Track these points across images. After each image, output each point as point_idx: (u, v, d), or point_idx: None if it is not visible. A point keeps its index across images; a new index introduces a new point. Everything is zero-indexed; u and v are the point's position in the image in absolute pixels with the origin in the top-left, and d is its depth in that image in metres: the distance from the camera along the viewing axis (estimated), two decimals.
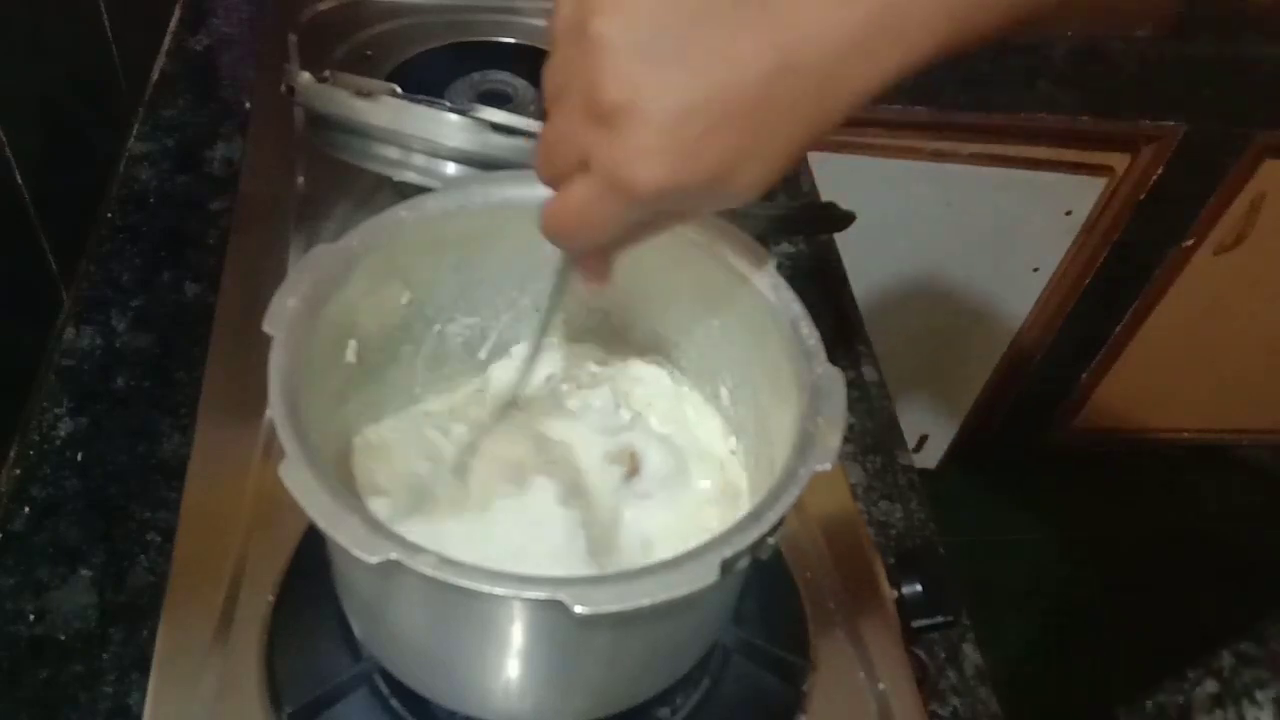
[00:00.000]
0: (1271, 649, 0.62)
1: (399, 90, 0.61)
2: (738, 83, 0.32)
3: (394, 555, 0.35)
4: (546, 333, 0.52)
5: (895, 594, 0.57)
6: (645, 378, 0.56)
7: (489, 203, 0.50)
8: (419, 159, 0.61)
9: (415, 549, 0.35)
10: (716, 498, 0.52)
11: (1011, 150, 1.24)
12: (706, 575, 0.36)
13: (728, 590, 0.47)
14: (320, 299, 0.44)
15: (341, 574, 0.46)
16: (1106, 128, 1.24)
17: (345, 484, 0.48)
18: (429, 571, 0.35)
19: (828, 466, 0.39)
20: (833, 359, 0.44)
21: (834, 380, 0.43)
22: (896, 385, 0.74)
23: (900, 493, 0.67)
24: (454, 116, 0.60)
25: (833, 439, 0.40)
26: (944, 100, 1.18)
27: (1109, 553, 1.65)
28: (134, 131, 0.84)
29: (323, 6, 0.94)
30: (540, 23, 0.95)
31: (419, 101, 0.61)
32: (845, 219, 0.75)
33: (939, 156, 1.23)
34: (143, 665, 0.52)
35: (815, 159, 0.93)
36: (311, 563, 0.53)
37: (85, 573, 0.57)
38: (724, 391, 0.53)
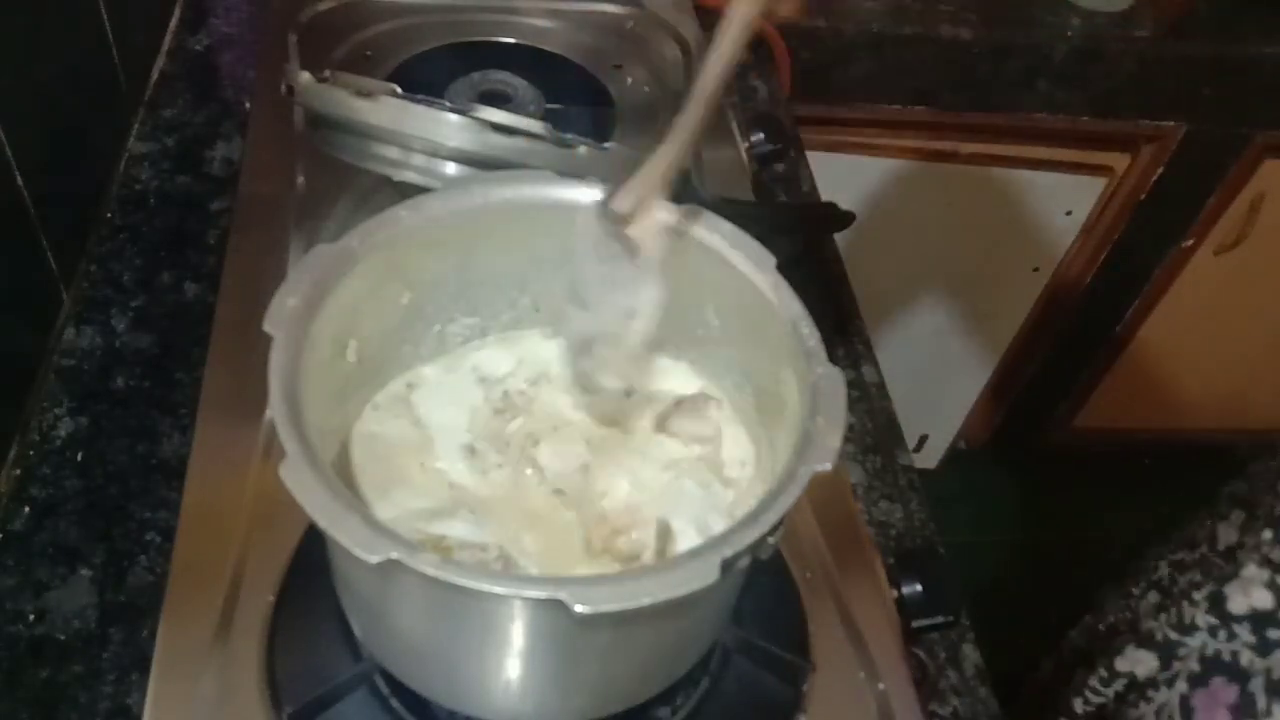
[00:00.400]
0: (1202, 552, 0.64)
1: (399, 90, 0.61)
2: None
3: (394, 555, 0.35)
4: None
5: (895, 594, 0.57)
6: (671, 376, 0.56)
7: (489, 203, 0.50)
8: (419, 159, 0.61)
9: (415, 549, 0.35)
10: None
11: (1011, 150, 1.24)
12: (707, 575, 0.36)
13: (728, 590, 0.47)
14: (320, 299, 0.44)
15: (341, 574, 0.46)
16: (1106, 128, 1.24)
17: (346, 483, 0.48)
18: (429, 571, 0.35)
19: (828, 466, 0.39)
20: (833, 359, 0.44)
21: (834, 380, 0.43)
22: (896, 385, 0.74)
23: (900, 493, 0.67)
24: (454, 116, 0.60)
25: (833, 439, 0.40)
26: (944, 100, 1.18)
27: (1109, 552, 1.65)
28: (134, 131, 0.84)
29: (323, 6, 0.94)
30: (540, 23, 0.95)
31: (419, 101, 0.61)
32: (845, 219, 0.76)
33: (939, 156, 1.23)
34: (143, 665, 0.52)
35: (815, 159, 0.93)
36: (311, 563, 0.53)
37: (85, 573, 0.57)
38: (724, 391, 0.53)
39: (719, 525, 0.48)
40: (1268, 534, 0.58)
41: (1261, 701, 0.54)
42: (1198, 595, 0.60)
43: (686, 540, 0.47)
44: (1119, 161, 1.28)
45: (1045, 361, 1.56)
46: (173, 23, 0.96)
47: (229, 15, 0.98)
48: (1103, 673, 0.65)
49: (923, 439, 1.65)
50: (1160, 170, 1.27)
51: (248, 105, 0.87)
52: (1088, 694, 0.66)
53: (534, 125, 0.60)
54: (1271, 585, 0.56)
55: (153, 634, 0.53)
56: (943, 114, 1.19)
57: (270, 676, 0.51)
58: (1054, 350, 1.54)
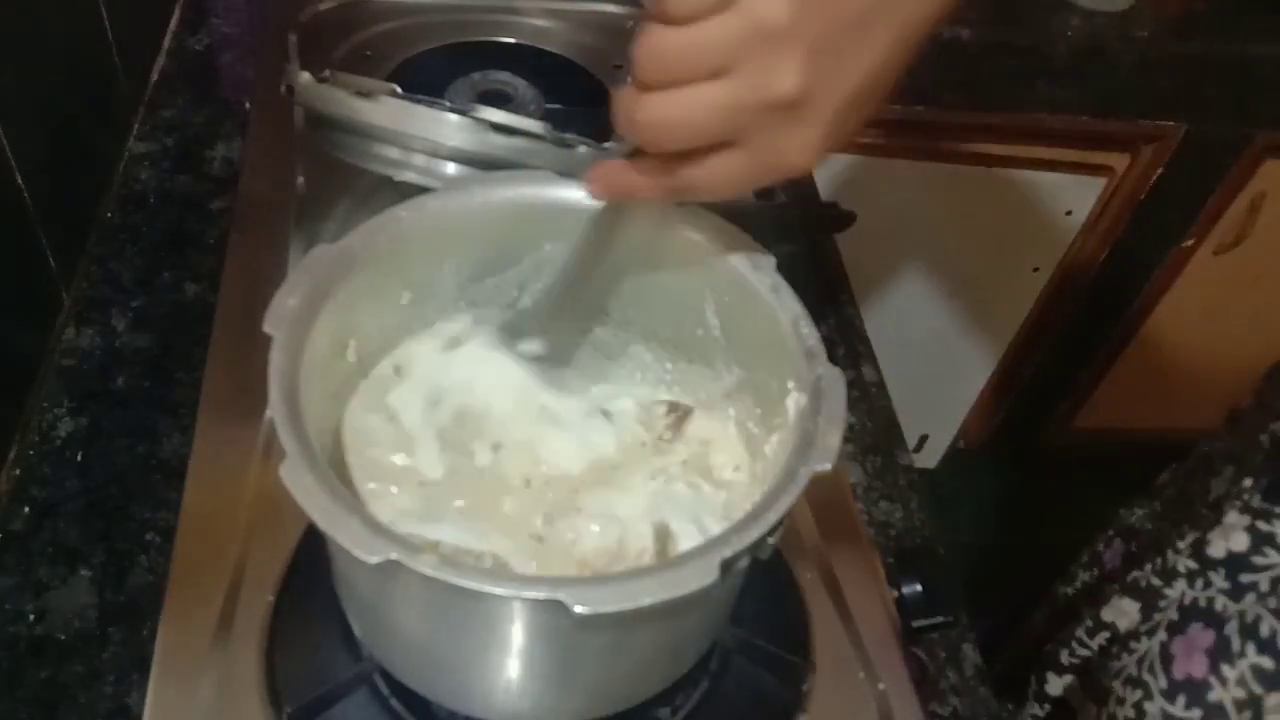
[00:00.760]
0: (1195, 509, 0.66)
1: (399, 90, 0.61)
2: (871, 66, 0.37)
3: (394, 555, 0.35)
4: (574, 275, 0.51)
5: (895, 594, 0.57)
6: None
7: (489, 203, 0.50)
8: (419, 159, 0.61)
9: (415, 549, 0.35)
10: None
11: (1011, 150, 1.24)
12: (706, 575, 0.36)
13: (728, 590, 0.47)
14: (320, 299, 0.44)
15: (341, 574, 0.46)
16: (1106, 128, 1.24)
17: (342, 477, 0.48)
18: (429, 571, 0.35)
19: (828, 466, 0.39)
20: (833, 359, 0.44)
21: (834, 380, 0.43)
22: (896, 385, 0.74)
23: (900, 493, 0.67)
24: (454, 116, 0.60)
25: (833, 439, 0.40)
26: (944, 100, 1.18)
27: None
28: (134, 131, 0.84)
29: (323, 6, 0.94)
30: (540, 23, 0.95)
31: (419, 101, 0.61)
32: (845, 219, 0.76)
33: (939, 156, 1.23)
34: (143, 665, 0.52)
35: None
36: (311, 563, 0.53)
37: (85, 573, 0.57)
38: (715, 395, 0.53)
39: (715, 525, 0.48)
40: (1248, 482, 0.59)
41: (1236, 644, 0.56)
42: (1181, 543, 0.62)
43: (687, 539, 0.47)
44: (1119, 161, 1.28)
45: (1045, 361, 1.56)
46: (173, 23, 0.96)
47: (229, 15, 0.98)
48: (1089, 623, 0.67)
49: (923, 439, 1.65)
50: (1160, 170, 1.27)
51: (248, 105, 0.87)
52: (1074, 645, 0.68)
53: (534, 125, 0.60)
54: (1251, 529, 0.58)
55: (153, 634, 0.53)
56: (943, 114, 1.19)
57: (270, 676, 0.51)
58: (1054, 350, 1.54)
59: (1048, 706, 0.71)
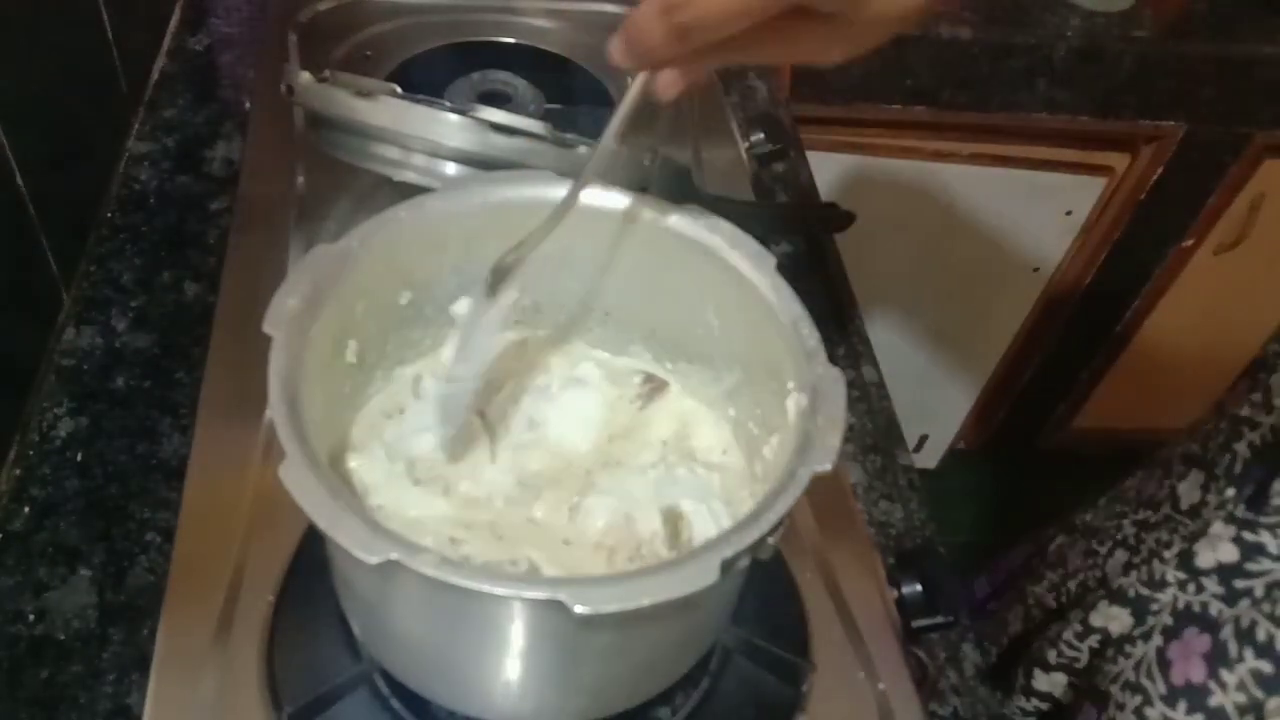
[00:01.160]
0: (1166, 512, 0.66)
1: (399, 90, 0.61)
2: None
3: (394, 555, 0.35)
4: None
5: (895, 594, 0.57)
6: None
7: (489, 203, 0.50)
8: (419, 159, 0.61)
9: (415, 549, 0.35)
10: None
11: (1011, 150, 1.24)
12: (707, 575, 0.36)
13: (728, 590, 0.47)
14: (320, 299, 0.44)
15: (341, 574, 0.46)
16: (1106, 128, 1.24)
17: (344, 480, 0.48)
18: (429, 571, 0.35)
19: (828, 466, 0.39)
20: (833, 359, 0.44)
21: (834, 380, 0.43)
22: (896, 385, 0.74)
23: (900, 493, 0.67)
24: (454, 116, 0.60)
25: (833, 439, 0.40)
26: (944, 100, 1.18)
27: None
28: (134, 131, 0.84)
29: (323, 6, 0.94)
30: (540, 23, 0.95)
31: (419, 101, 0.61)
32: (845, 219, 0.76)
33: (939, 156, 1.23)
34: (143, 665, 0.52)
35: (815, 159, 0.93)
36: (311, 563, 0.53)
37: (85, 573, 0.57)
38: (723, 390, 0.53)
39: (717, 505, 0.48)
40: (1230, 491, 0.60)
41: (1233, 649, 0.56)
42: (1167, 553, 0.62)
43: (700, 519, 0.48)
44: (1119, 161, 1.28)
45: (1045, 362, 1.56)
46: (173, 23, 0.96)
47: (229, 15, 0.98)
48: (1077, 627, 0.67)
49: (923, 439, 1.65)
50: (1160, 170, 1.27)
51: (248, 105, 0.87)
52: (1061, 646, 0.68)
53: (534, 125, 0.60)
54: (1237, 540, 0.58)
55: (153, 634, 0.53)
56: (943, 114, 1.19)
57: (270, 676, 0.51)
58: (1054, 350, 1.54)
59: (1035, 701, 0.71)
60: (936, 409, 1.62)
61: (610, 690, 0.47)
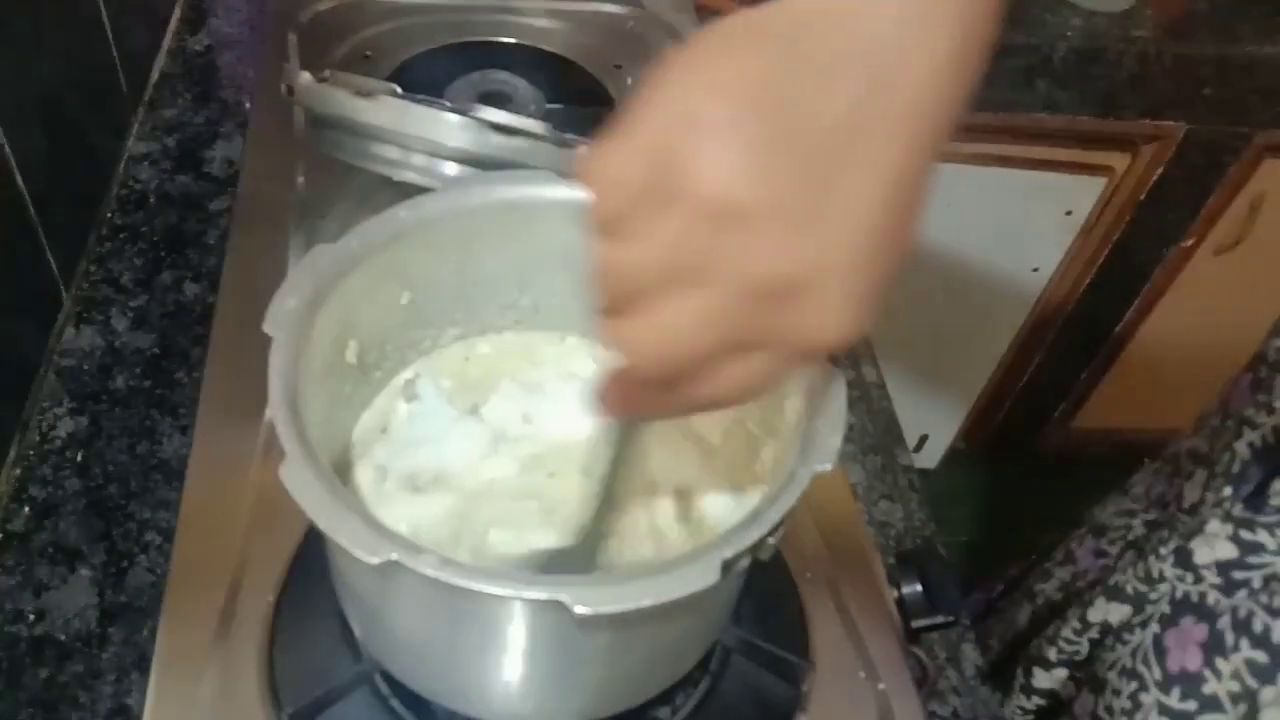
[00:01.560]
0: (1172, 512, 0.66)
1: (399, 90, 0.61)
2: (891, 184, 0.30)
3: (394, 555, 0.35)
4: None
5: (895, 594, 0.57)
6: None
7: (489, 203, 0.50)
8: (419, 159, 0.61)
9: (415, 549, 0.35)
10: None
11: (1011, 150, 1.24)
12: (707, 576, 0.36)
13: (728, 590, 0.47)
14: (320, 299, 0.44)
15: (342, 574, 0.46)
16: (1106, 128, 1.24)
17: (345, 481, 0.48)
18: (430, 572, 0.35)
19: (828, 466, 0.39)
20: (833, 359, 0.44)
21: (834, 380, 0.43)
22: (896, 385, 0.74)
23: (900, 493, 0.67)
24: (454, 116, 0.60)
25: (833, 439, 0.40)
26: None
27: None
28: (134, 131, 0.84)
29: (323, 6, 0.94)
30: (540, 23, 0.94)
31: (419, 101, 0.61)
32: None
33: (939, 156, 1.23)
34: (143, 665, 0.52)
35: None
36: (311, 563, 0.53)
37: (85, 573, 0.57)
38: None
39: (723, 486, 0.50)
40: (1228, 490, 0.60)
41: (1230, 638, 0.56)
42: (1164, 550, 0.62)
43: (711, 499, 0.49)
44: (1119, 161, 1.28)
45: (1045, 362, 1.56)
46: (173, 23, 0.96)
47: (229, 15, 0.98)
48: (1076, 624, 0.67)
49: (923, 439, 1.65)
50: (1160, 170, 1.27)
51: (248, 105, 0.87)
52: (1061, 643, 0.68)
53: (534, 125, 0.60)
54: (1234, 539, 0.58)
55: (153, 634, 0.53)
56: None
57: (270, 676, 0.51)
58: (1054, 350, 1.54)
59: (1036, 699, 0.71)
60: (936, 409, 1.62)
61: (610, 690, 0.47)
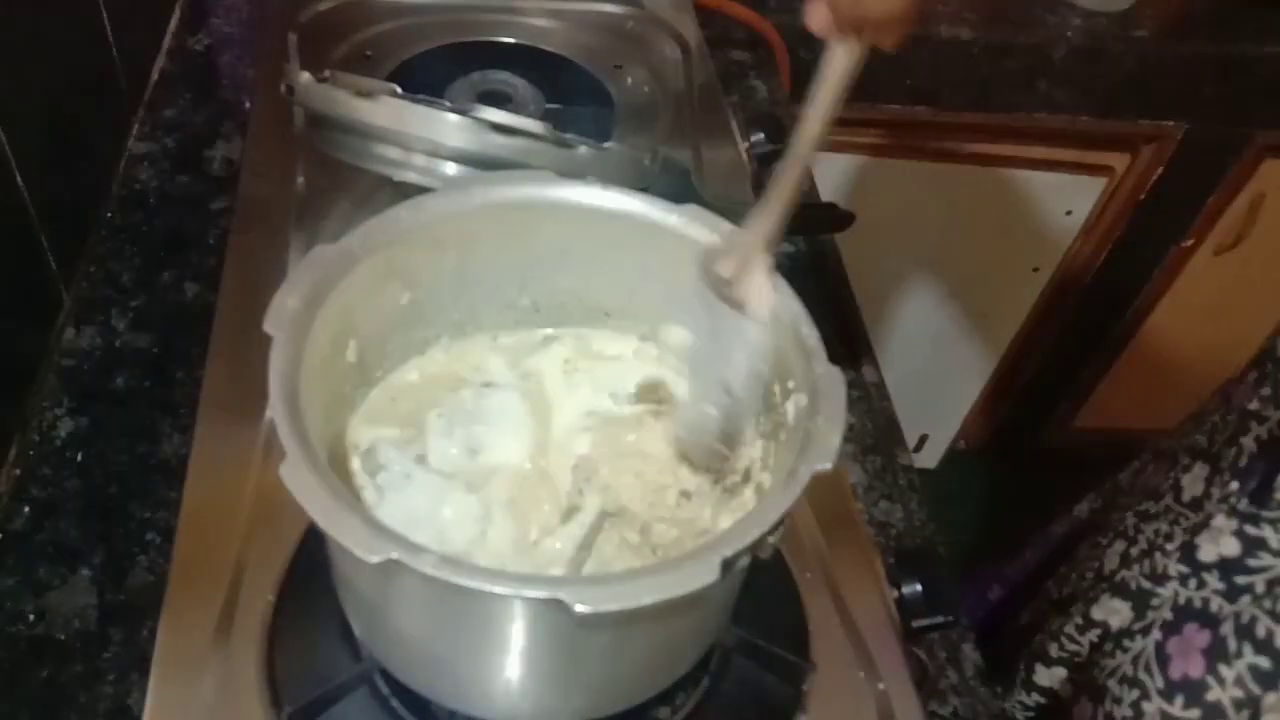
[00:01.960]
0: (1167, 503, 0.66)
1: (399, 90, 0.61)
2: None
3: (395, 555, 0.35)
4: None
5: (895, 594, 0.57)
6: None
7: (489, 203, 0.50)
8: (419, 159, 0.61)
9: (416, 549, 0.35)
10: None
11: (1011, 150, 1.24)
12: (707, 575, 0.36)
13: (728, 590, 0.47)
14: (320, 299, 0.44)
15: (342, 574, 0.46)
16: (1106, 128, 1.24)
17: (343, 477, 0.48)
18: (430, 571, 0.35)
19: (828, 466, 0.39)
20: (833, 359, 0.44)
21: (834, 380, 0.43)
22: (896, 385, 0.74)
23: (900, 493, 0.67)
24: (454, 116, 0.60)
25: (833, 439, 0.40)
26: (944, 100, 1.18)
27: None
28: (134, 131, 0.84)
29: (323, 6, 0.94)
30: (540, 23, 0.95)
31: (419, 101, 0.61)
32: (845, 219, 0.76)
33: (939, 156, 1.23)
34: (143, 665, 0.52)
35: (815, 159, 0.92)
36: (311, 563, 0.53)
37: (85, 573, 0.57)
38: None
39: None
40: (1234, 485, 0.60)
41: (1233, 644, 0.56)
42: (1169, 546, 0.62)
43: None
44: (1119, 161, 1.28)
45: (1045, 361, 1.56)
46: (173, 23, 0.96)
47: (229, 15, 0.98)
48: (1078, 620, 0.67)
49: (923, 439, 1.65)
50: (1160, 170, 1.27)
51: (248, 105, 0.87)
52: (1063, 640, 0.68)
53: (534, 125, 0.60)
54: (1239, 534, 0.58)
55: (153, 634, 0.53)
56: (943, 114, 1.19)
57: (270, 676, 0.51)
58: (1054, 350, 1.54)
59: (1035, 695, 0.71)
60: (936, 409, 1.62)
61: (610, 689, 0.47)
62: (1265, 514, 0.57)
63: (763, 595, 0.54)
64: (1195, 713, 0.57)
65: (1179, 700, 0.58)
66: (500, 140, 0.60)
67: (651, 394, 0.54)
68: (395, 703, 0.50)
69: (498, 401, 0.52)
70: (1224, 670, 0.56)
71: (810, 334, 0.45)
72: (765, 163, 0.87)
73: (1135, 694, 0.60)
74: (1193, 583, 0.60)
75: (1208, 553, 0.59)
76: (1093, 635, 0.66)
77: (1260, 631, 0.55)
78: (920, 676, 0.56)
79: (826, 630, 0.56)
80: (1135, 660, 0.62)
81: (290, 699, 0.50)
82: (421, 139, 0.60)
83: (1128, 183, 1.30)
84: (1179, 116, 1.22)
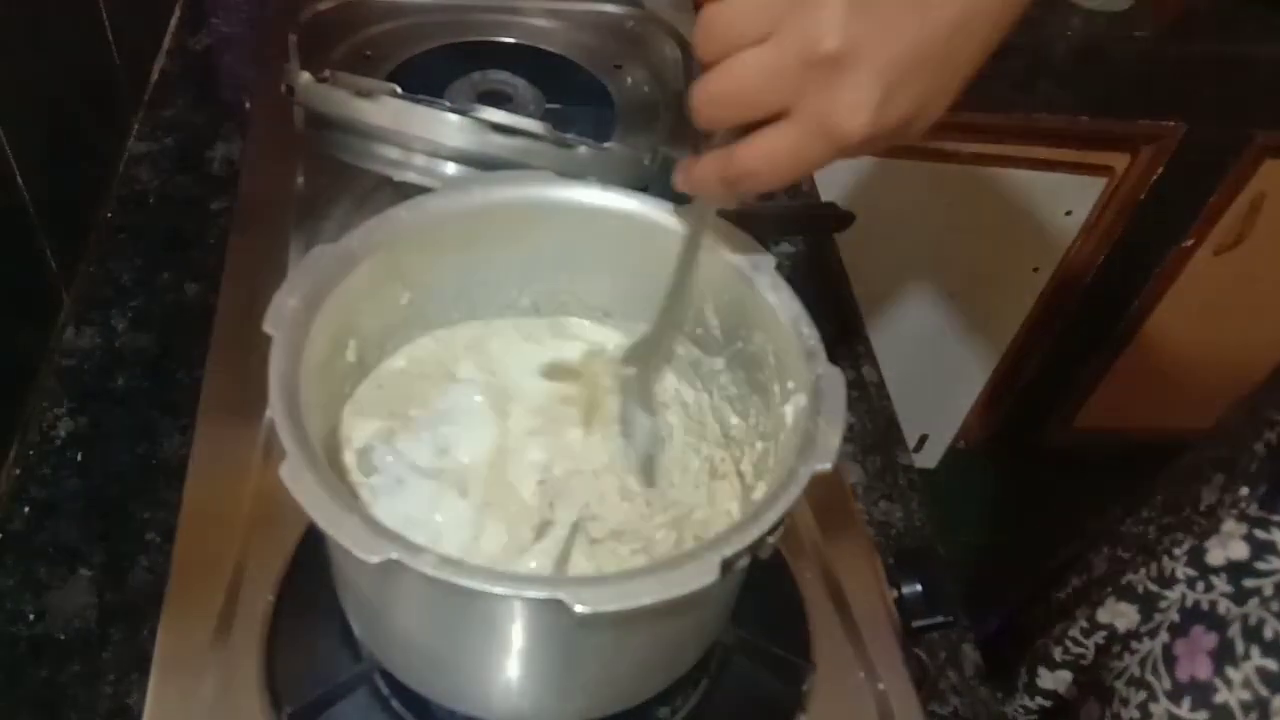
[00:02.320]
0: (1185, 514, 0.66)
1: (399, 90, 0.61)
2: (930, 35, 0.36)
3: (394, 555, 0.35)
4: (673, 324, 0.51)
5: (895, 594, 0.57)
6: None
7: (489, 203, 0.50)
8: (419, 159, 0.61)
9: (415, 548, 0.35)
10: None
11: (1011, 150, 1.24)
12: (707, 575, 0.36)
13: (727, 590, 0.47)
14: (320, 299, 0.44)
15: (341, 574, 0.46)
16: (1106, 128, 1.24)
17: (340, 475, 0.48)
18: (429, 571, 0.35)
19: (828, 466, 0.39)
20: (833, 359, 0.44)
21: (834, 380, 0.43)
22: (896, 385, 0.74)
23: (900, 493, 0.67)
24: (454, 116, 0.60)
25: (833, 439, 0.40)
26: None
27: None
28: (134, 131, 0.84)
29: (323, 6, 0.94)
30: (540, 23, 0.94)
31: (419, 101, 0.61)
32: (845, 219, 0.76)
33: (939, 156, 1.23)
34: (143, 665, 0.52)
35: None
36: (311, 563, 0.53)
37: (85, 573, 0.57)
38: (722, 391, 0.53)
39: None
40: (1244, 490, 0.60)
41: (1240, 647, 0.56)
42: (1178, 551, 0.62)
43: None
44: (1119, 161, 1.28)
45: (1045, 362, 1.56)
46: (173, 23, 0.96)
47: (229, 15, 0.98)
48: (1083, 624, 0.67)
49: (923, 439, 1.65)
50: (1160, 170, 1.27)
51: (248, 105, 0.87)
52: (1067, 643, 0.68)
53: (534, 125, 0.60)
54: (1249, 538, 0.58)
55: (153, 634, 0.53)
56: (943, 114, 1.19)
57: (270, 676, 0.51)
58: (1054, 350, 1.54)
59: (1039, 699, 0.71)
60: (936, 409, 1.62)
61: (610, 689, 0.47)
62: (1275, 518, 0.57)
63: (763, 595, 0.54)
64: (1203, 715, 0.57)
65: (1186, 702, 0.58)
66: (500, 140, 0.60)
67: (563, 374, 0.54)
68: (395, 703, 0.50)
69: (458, 398, 0.52)
70: (1231, 672, 0.56)
71: (810, 334, 0.45)
72: None
73: (1143, 695, 0.60)
74: (1200, 585, 0.60)
75: (1216, 556, 0.59)
76: (1099, 638, 0.66)
77: (1268, 634, 0.55)
78: (920, 676, 0.56)
79: (826, 630, 0.56)
80: (1143, 662, 0.62)
81: (290, 699, 0.50)
82: (421, 139, 0.60)
83: (1128, 183, 1.30)
84: (1179, 116, 1.22)
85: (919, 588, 0.57)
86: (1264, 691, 0.55)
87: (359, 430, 0.50)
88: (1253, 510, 0.58)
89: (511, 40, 0.92)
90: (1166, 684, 0.59)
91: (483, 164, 0.60)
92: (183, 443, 0.63)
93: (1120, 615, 0.64)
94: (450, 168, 0.61)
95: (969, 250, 1.36)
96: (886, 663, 0.55)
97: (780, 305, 0.46)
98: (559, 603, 0.34)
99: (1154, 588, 0.63)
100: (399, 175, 0.61)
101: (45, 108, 0.69)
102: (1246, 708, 0.56)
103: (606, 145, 0.62)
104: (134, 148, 0.83)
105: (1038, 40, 1.15)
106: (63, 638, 0.55)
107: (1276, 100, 1.21)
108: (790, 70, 0.36)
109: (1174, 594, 0.61)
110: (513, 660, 0.42)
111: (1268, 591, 0.56)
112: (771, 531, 0.38)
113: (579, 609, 0.34)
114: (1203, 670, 0.58)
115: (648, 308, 0.54)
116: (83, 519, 0.60)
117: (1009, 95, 1.19)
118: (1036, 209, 1.30)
